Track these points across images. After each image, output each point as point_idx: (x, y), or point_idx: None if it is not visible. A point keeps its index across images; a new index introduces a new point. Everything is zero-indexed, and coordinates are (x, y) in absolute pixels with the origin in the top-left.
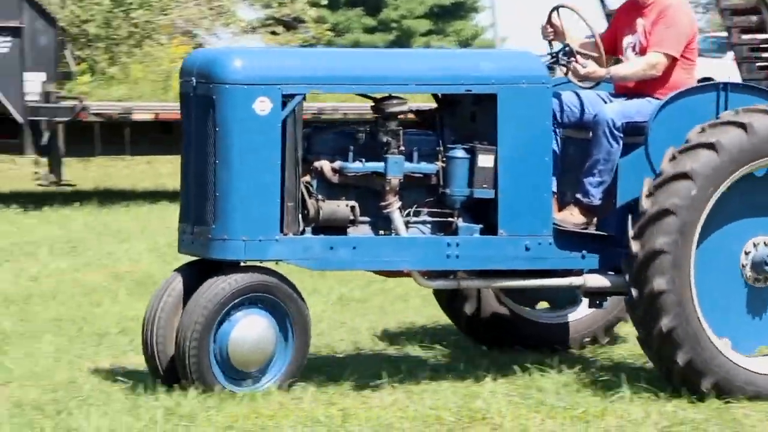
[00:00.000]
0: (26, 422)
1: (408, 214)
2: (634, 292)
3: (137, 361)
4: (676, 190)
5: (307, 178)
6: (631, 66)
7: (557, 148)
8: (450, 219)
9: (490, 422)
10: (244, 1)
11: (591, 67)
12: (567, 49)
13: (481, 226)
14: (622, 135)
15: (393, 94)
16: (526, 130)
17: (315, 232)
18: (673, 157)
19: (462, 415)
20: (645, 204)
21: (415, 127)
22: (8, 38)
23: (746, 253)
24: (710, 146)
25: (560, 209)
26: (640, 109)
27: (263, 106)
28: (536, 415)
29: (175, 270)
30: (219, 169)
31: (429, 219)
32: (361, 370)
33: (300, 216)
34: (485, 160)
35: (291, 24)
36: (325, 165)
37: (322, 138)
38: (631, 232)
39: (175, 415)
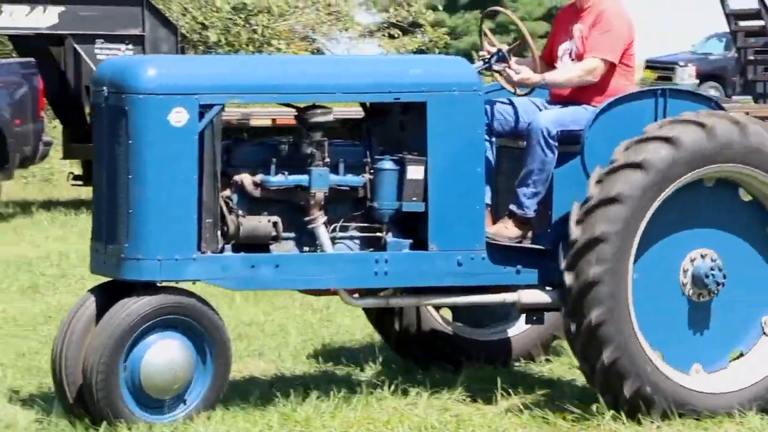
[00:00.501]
0: (146, 428)
1: (334, 230)
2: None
3: (254, 367)
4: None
5: (228, 192)
6: (567, 72)
7: (492, 157)
8: (378, 234)
9: (606, 428)
10: (362, 6)
11: (525, 74)
12: (500, 54)
13: (411, 241)
14: (557, 144)
15: (317, 104)
16: (458, 140)
17: (236, 249)
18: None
19: (578, 420)
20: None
21: (342, 138)
22: (130, 46)
23: (685, 269)
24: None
25: (495, 222)
26: (575, 116)
27: (179, 117)
28: (653, 422)
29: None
30: (132, 184)
31: (356, 234)
32: (474, 375)
33: (219, 233)
34: (414, 172)
35: (408, 28)
36: (245, 178)
37: (242, 150)
38: (562, 263)
39: (290, 420)
